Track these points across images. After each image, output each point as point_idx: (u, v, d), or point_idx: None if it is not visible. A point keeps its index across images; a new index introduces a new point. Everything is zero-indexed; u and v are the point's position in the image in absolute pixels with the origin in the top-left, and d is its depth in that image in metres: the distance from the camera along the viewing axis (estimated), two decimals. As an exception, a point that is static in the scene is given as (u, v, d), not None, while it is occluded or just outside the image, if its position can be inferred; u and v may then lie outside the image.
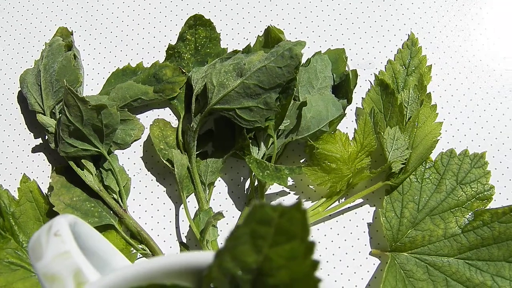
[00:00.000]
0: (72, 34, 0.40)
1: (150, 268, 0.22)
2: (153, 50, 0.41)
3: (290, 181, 0.38)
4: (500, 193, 0.38)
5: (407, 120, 0.37)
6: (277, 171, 0.36)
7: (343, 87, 0.38)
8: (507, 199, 0.38)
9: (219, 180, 0.38)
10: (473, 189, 0.37)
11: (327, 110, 0.37)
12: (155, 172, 0.38)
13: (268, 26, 0.37)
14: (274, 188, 0.38)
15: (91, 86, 0.40)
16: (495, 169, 0.38)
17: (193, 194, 0.37)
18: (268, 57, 0.35)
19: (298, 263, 0.20)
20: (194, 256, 0.21)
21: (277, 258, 0.20)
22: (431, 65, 0.39)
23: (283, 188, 0.38)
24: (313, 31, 0.41)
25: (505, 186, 0.38)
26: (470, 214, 0.37)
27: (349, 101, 0.38)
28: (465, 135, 0.39)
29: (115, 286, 0.21)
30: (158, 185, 0.38)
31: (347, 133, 0.37)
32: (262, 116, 0.35)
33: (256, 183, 0.37)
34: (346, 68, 0.38)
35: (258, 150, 0.37)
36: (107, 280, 0.21)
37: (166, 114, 0.39)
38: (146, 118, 0.39)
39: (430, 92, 0.38)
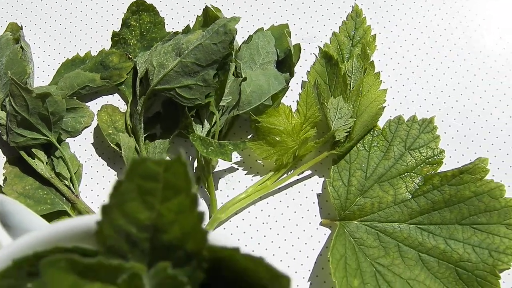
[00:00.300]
0: (21, 29, 0.41)
1: (55, 232, 0.22)
2: (100, 39, 0.42)
3: (238, 157, 0.38)
4: (450, 157, 0.38)
5: (351, 89, 0.37)
6: (221, 147, 0.36)
7: (287, 62, 0.38)
8: (458, 162, 0.38)
9: (169, 161, 0.38)
10: (422, 154, 0.37)
11: (268, 84, 0.37)
12: (106, 157, 0.39)
13: (206, 5, 0.38)
14: (222, 165, 0.38)
15: (43, 78, 0.41)
16: (445, 133, 0.38)
17: (144, 176, 0.38)
18: (204, 35, 0.35)
19: (186, 217, 0.20)
20: (92, 219, 0.21)
21: (168, 214, 0.20)
22: (376, 34, 0.39)
23: (231, 164, 0.38)
24: (257, 9, 0.42)
25: (455, 150, 0.38)
26: (419, 178, 0.37)
27: (291, 74, 0.38)
28: (413, 101, 0.39)
29: (22, 249, 0.21)
30: (109, 170, 0.38)
31: (290, 106, 0.37)
32: (202, 93, 0.36)
33: (203, 161, 0.37)
34: (289, 43, 0.38)
35: (202, 127, 0.37)
36: (15, 244, 0.22)
37: (115, 100, 0.40)
38: (96, 105, 0.40)
39: (373, 61, 0.38)
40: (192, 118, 0.36)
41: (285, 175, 0.37)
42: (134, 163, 0.19)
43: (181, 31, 0.38)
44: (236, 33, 0.35)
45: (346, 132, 0.36)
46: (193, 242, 0.20)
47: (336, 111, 0.36)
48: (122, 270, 0.20)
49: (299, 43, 0.39)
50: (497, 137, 0.38)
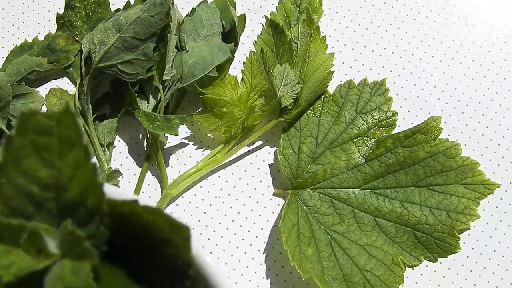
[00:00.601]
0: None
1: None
2: (48, 23, 0.41)
3: (188, 132, 0.38)
4: (404, 118, 0.37)
5: (297, 55, 0.37)
6: (167, 121, 0.35)
7: (233, 33, 0.38)
8: (412, 123, 0.37)
9: (119, 140, 0.38)
10: (374, 117, 0.36)
11: (212, 55, 0.36)
12: (56, 140, 0.38)
13: (145, -20, 0.37)
14: (172, 141, 0.37)
15: (-7, 67, 0.41)
16: (397, 94, 0.37)
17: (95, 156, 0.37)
18: (142, 8, 0.35)
19: (82, 171, 0.20)
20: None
21: (66, 170, 0.20)
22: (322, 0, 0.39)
23: (181, 140, 0.37)
24: (203, -17, 0.41)
25: (408, 111, 0.37)
26: (372, 142, 0.36)
27: (236, 44, 0.37)
28: (363, 65, 0.38)
29: None
30: (59, 152, 0.38)
31: (236, 76, 0.36)
32: (143, 68, 0.35)
33: (151, 137, 0.37)
34: (232, 13, 0.37)
35: (147, 103, 0.36)
36: None
37: (64, 83, 0.40)
38: (46, 90, 0.39)
39: (318, 25, 0.37)
40: (137, 94, 0.36)
41: (236, 146, 0.37)
42: (24, 117, 0.19)
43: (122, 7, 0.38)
44: (172, 4, 0.34)
45: (293, 99, 0.35)
46: (92, 198, 0.20)
47: (282, 78, 0.36)
48: (24, 229, 0.19)
49: (244, 14, 0.38)
50: (451, 96, 0.37)
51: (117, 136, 0.38)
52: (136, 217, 0.20)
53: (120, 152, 0.38)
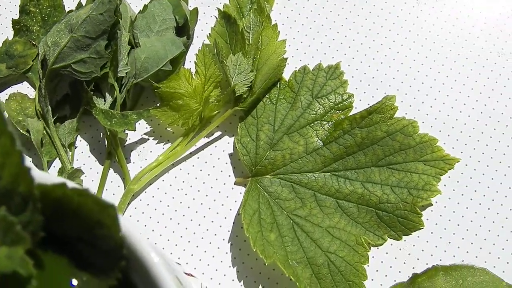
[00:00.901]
0: None
1: None
2: (6, 30, 0.42)
3: (148, 128, 0.38)
4: (360, 100, 0.37)
5: (249, 44, 0.37)
6: (124, 117, 0.36)
7: (186, 27, 0.38)
8: (368, 104, 0.37)
9: (81, 140, 0.38)
10: (330, 100, 0.37)
11: (165, 49, 0.36)
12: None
13: (96, -20, 0.38)
14: (133, 138, 0.38)
15: (-46, 77, 0.41)
16: (352, 77, 0.38)
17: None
18: (92, 7, 0.35)
19: (11, 158, 0.20)
20: None
21: (-4, 158, 0.20)
22: (274, -12, 0.39)
23: (142, 136, 0.38)
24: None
25: (364, 92, 0.37)
26: (329, 125, 0.36)
27: (189, 38, 0.38)
28: (317, 50, 0.38)
29: None
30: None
31: (190, 69, 0.37)
32: (97, 66, 0.35)
33: (111, 135, 0.37)
34: (183, 7, 0.38)
35: (104, 101, 0.37)
36: None
37: (24, 87, 0.40)
38: (6, 95, 0.40)
39: (268, 14, 0.37)
40: (93, 93, 0.36)
41: (194, 138, 0.37)
42: None
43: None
44: (120, 1, 0.35)
45: (247, 87, 0.36)
46: (23, 184, 0.20)
47: (235, 67, 0.36)
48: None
49: (196, 7, 0.38)
50: (406, 75, 0.37)
51: (79, 136, 0.38)
52: (68, 201, 0.20)
53: (82, 152, 0.38)
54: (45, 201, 0.20)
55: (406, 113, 0.37)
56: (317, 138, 0.36)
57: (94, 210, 0.20)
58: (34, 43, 0.40)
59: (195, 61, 0.37)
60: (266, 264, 0.32)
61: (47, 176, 0.22)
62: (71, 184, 0.20)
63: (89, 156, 0.38)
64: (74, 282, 0.21)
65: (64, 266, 0.21)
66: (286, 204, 0.35)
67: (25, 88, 0.40)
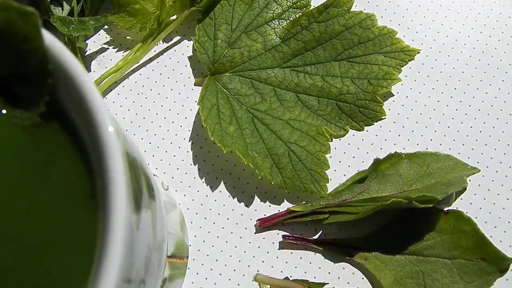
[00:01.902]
0: None
1: None
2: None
3: (107, 37, 0.38)
4: (318, -1, 0.37)
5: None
6: (82, 23, 0.36)
7: None
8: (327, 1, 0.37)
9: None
10: (288, 0, 0.37)
11: (121, -45, 0.37)
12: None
13: None
14: (92, 47, 0.38)
15: None
16: (309, -23, 0.38)
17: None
18: None
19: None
20: None
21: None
22: None
23: (101, 45, 0.38)
24: None
25: (322, -9, 0.37)
26: (287, 22, 0.36)
27: None
28: (274, -45, 0.38)
29: None
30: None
31: (146, -27, 0.37)
32: (52, -29, 0.36)
33: (69, 43, 0.37)
34: None
35: (62, 9, 0.37)
36: None
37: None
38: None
39: None
40: (51, 1, 0.36)
41: (153, 41, 0.37)
42: None
43: None
44: None
45: (203, -14, 0.36)
46: None
47: (191, -31, 0.36)
48: None
49: None
50: (362, -28, 0.37)
51: (40, 50, 0.38)
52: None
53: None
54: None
55: (364, 9, 0.37)
56: (275, 35, 0.36)
57: (17, 22, 0.20)
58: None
59: (150, -35, 0.37)
60: (224, 152, 0.32)
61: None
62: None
63: (50, 69, 0.38)
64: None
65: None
66: (246, 100, 0.35)
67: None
